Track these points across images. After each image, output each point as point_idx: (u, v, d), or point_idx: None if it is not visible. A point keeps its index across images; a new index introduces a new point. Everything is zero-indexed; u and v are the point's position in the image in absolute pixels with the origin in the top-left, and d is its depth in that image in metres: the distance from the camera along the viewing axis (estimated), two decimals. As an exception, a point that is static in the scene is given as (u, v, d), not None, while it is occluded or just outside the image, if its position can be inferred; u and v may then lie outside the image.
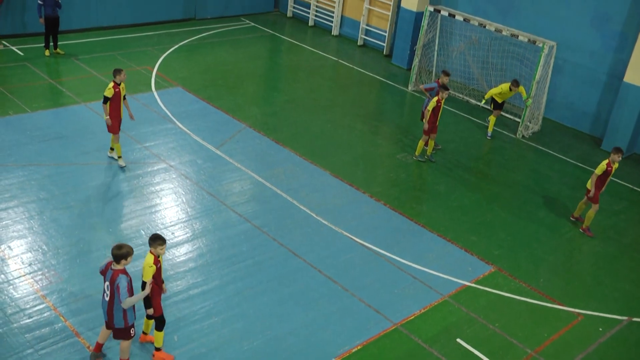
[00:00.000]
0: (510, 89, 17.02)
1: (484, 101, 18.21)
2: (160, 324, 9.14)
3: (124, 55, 20.16)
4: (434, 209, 13.98)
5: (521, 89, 17.08)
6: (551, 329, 10.89)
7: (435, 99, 15.03)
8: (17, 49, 19.66)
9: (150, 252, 8.67)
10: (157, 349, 9.26)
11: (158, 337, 9.20)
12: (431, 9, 19.72)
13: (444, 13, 19.56)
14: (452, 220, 13.64)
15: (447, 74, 15.89)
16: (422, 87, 16.40)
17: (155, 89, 18.09)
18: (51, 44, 19.47)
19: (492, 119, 17.71)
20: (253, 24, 25.14)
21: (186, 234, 12.12)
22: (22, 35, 20.47)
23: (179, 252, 11.56)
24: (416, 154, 15.94)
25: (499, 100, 17.43)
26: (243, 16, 25.81)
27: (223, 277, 11.06)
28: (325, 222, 12.93)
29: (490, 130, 17.75)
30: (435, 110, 15.11)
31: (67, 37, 20.95)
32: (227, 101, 17.90)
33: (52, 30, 19.18)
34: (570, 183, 15.93)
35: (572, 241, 13.61)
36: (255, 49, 22.61)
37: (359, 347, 9.89)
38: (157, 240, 8.64)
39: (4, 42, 19.81)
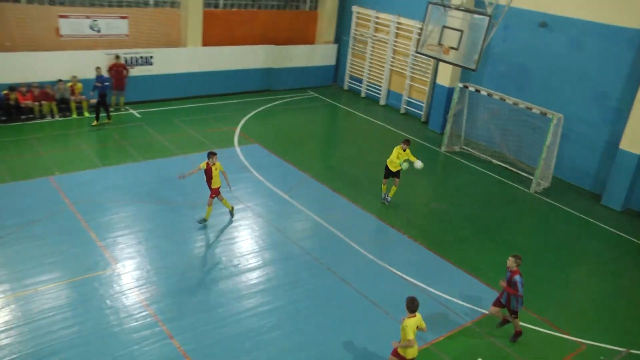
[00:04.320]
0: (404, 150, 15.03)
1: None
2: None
3: (215, 118, 20.77)
4: (461, 249, 13.79)
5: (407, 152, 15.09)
6: (558, 354, 10.56)
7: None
8: (136, 112, 20.56)
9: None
10: None
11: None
12: (461, 85, 19.82)
13: (472, 89, 19.59)
14: (477, 260, 13.44)
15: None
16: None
17: (238, 145, 18.50)
18: (102, 114, 19.05)
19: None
20: (316, 94, 25.62)
21: (258, 261, 12.27)
22: (139, 102, 21.37)
23: (252, 276, 11.70)
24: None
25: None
26: (308, 88, 26.35)
27: (286, 298, 11.12)
28: (372, 257, 12.92)
29: None
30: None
31: (173, 103, 21.82)
32: (294, 156, 18.15)
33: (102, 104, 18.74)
34: (574, 232, 15.53)
35: (577, 281, 13.24)
36: (317, 115, 23.01)
37: (395, 361, 9.74)
38: None
39: (126, 107, 20.75)
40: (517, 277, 10.12)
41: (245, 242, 12.97)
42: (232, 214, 13.88)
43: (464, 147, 20.82)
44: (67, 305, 10.19)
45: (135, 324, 9.92)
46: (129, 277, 11.18)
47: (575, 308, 12.16)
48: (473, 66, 16.44)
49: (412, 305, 8.55)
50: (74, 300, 10.33)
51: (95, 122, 18.73)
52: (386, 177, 15.56)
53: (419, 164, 14.98)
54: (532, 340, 10.83)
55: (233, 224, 13.60)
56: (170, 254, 12.11)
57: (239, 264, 12.04)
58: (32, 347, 9.19)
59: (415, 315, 8.59)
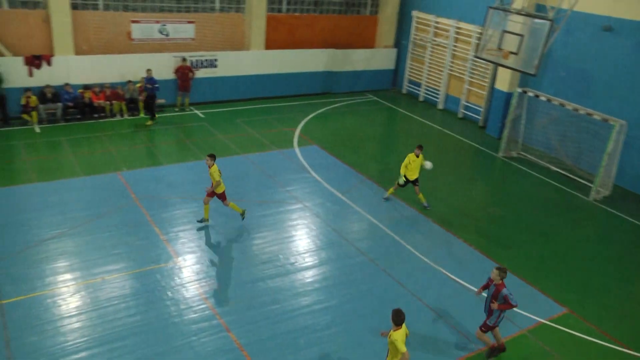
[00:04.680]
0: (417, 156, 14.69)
1: None
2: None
3: (276, 119, 20.95)
4: (517, 256, 13.33)
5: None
6: (618, 368, 10.03)
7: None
8: (200, 112, 20.98)
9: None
10: None
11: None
12: (520, 90, 19.22)
13: (530, 94, 18.97)
14: (533, 266, 12.96)
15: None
16: None
17: (297, 145, 18.58)
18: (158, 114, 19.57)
19: None
20: (375, 98, 25.43)
21: (314, 260, 12.26)
22: (203, 103, 21.79)
23: (308, 275, 11.69)
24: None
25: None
26: (367, 92, 26.20)
27: (341, 297, 11.04)
28: (426, 260, 12.67)
29: None
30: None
31: (236, 104, 22.15)
32: (352, 158, 18.05)
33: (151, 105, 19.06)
34: (636, 242, 14.69)
35: (638, 294, 12.54)
36: (376, 118, 22.81)
37: (448, 366, 9.50)
38: None
39: (191, 107, 21.23)
40: (504, 291, 9.25)
41: (303, 241, 12.98)
42: (202, 221, 13.05)
43: (521, 152, 20.18)
44: (132, 295, 10.47)
45: (194, 315, 10.08)
46: (189, 270, 11.38)
47: (637, 321, 11.50)
48: (533, 71, 15.89)
49: (398, 319, 8.09)
50: (138, 290, 10.61)
51: (149, 122, 19.13)
52: (402, 185, 14.92)
53: (428, 164, 14.85)
54: (590, 352, 10.33)
55: (290, 223, 13.63)
56: (229, 250, 12.25)
57: (295, 262, 12.05)
58: (99, 332, 9.49)
59: (401, 327, 8.15)
